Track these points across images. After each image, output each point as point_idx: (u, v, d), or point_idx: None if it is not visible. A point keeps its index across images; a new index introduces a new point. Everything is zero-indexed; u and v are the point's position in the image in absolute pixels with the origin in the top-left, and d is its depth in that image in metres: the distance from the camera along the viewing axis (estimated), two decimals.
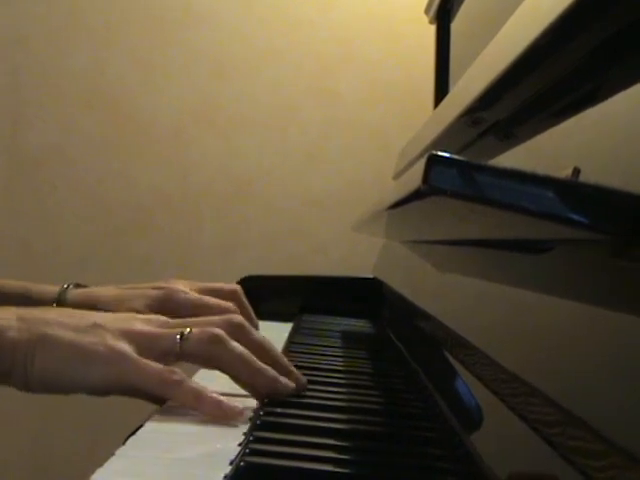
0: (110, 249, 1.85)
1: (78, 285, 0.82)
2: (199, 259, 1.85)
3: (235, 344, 0.60)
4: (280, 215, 1.87)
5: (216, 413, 0.56)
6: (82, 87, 1.86)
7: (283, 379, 0.61)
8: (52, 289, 0.81)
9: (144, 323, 0.62)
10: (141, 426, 0.53)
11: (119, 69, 1.86)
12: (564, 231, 0.29)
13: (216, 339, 0.60)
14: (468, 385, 0.56)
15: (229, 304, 0.75)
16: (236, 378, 0.61)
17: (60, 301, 0.79)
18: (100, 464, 0.43)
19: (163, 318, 0.64)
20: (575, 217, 0.27)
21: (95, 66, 1.86)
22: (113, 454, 0.46)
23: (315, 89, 1.86)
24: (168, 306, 0.75)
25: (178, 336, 0.60)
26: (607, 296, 0.35)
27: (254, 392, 0.61)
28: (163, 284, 0.79)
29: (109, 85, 1.86)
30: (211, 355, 0.60)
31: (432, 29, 1.32)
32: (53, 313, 0.63)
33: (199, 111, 1.86)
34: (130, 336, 0.59)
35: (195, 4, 1.86)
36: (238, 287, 0.83)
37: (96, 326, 0.59)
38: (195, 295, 0.78)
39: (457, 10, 1.18)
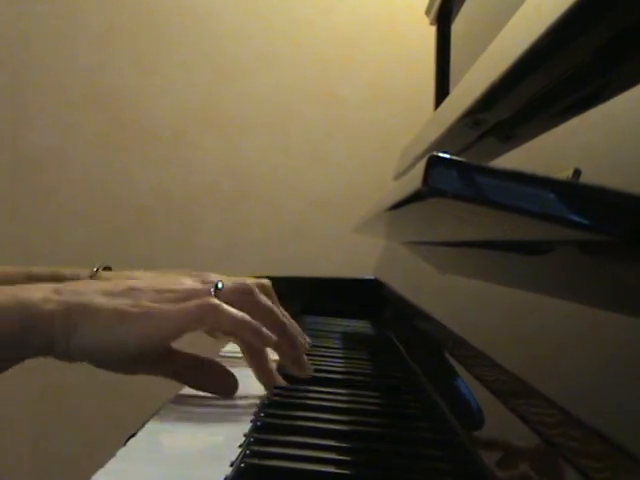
0: (112, 250, 1.85)
1: (107, 268, 0.82)
2: (201, 260, 1.85)
3: (265, 298, 0.62)
4: (281, 216, 1.87)
5: (255, 339, 0.58)
6: (83, 88, 1.86)
7: (303, 352, 0.64)
8: (83, 271, 0.81)
9: (178, 282, 0.63)
10: (142, 427, 0.53)
11: (120, 70, 1.86)
12: (565, 232, 0.29)
13: (248, 290, 0.62)
14: (468, 386, 0.56)
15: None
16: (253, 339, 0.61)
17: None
18: (100, 465, 0.43)
19: (197, 277, 0.65)
20: (576, 218, 0.27)
21: (96, 67, 1.86)
22: (114, 455, 0.46)
23: (317, 90, 1.86)
24: None
25: (212, 288, 0.61)
26: (608, 297, 0.35)
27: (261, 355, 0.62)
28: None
29: (110, 86, 1.86)
30: (242, 306, 0.60)
31: (433, 30, 1.32)
32: (87, 284, 0.63)
33: (200, 112, 1.87)
34: (165, 293, 0.60)
35: (197, 6, 1.86)
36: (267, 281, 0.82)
37: (130, 289, 0.60)
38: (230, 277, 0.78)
39: (458, 11, 1.18)
